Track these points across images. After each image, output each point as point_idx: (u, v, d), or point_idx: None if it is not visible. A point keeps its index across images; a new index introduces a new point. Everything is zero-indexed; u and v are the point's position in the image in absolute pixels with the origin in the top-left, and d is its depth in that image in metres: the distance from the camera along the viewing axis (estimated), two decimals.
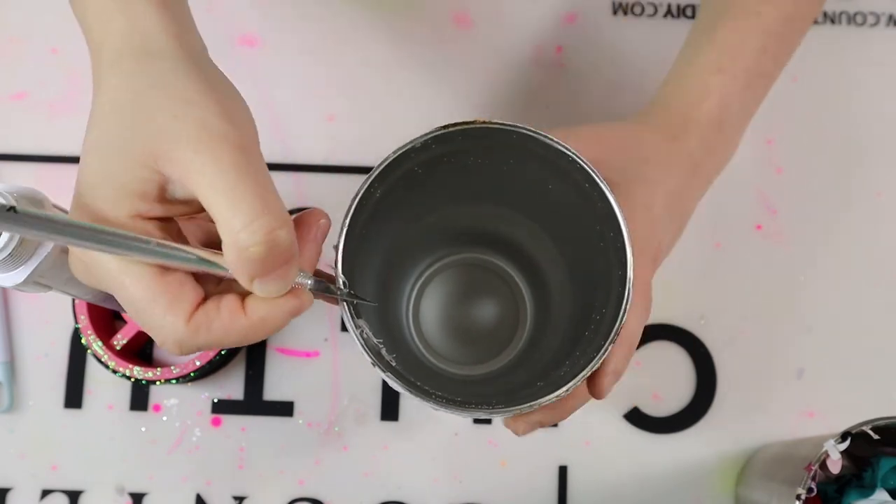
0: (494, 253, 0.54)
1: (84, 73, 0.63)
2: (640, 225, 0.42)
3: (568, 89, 0.64)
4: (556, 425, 0.59)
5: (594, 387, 0.43)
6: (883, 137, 0.63)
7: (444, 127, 0.41)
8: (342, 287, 0.39)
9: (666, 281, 0.60)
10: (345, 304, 0.40)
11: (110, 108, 0.36)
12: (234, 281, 0.36)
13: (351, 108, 0.63)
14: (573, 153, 0.41)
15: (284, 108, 0.63)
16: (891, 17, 0.65)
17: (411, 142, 0.41)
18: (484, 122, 0.41)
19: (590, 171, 0.41)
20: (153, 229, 0.36)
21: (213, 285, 0.37)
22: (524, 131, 0.41)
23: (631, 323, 0.43)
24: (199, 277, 0.37)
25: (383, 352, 0.41)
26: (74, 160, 0.62)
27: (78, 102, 0.63)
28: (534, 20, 0.65)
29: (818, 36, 0.64)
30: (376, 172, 0.41)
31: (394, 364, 0.41)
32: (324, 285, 0.38)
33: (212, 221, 0.35)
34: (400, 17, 0.65)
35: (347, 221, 0.40)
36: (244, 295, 0.36)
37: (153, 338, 0.36)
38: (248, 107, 0.38)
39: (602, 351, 0.40)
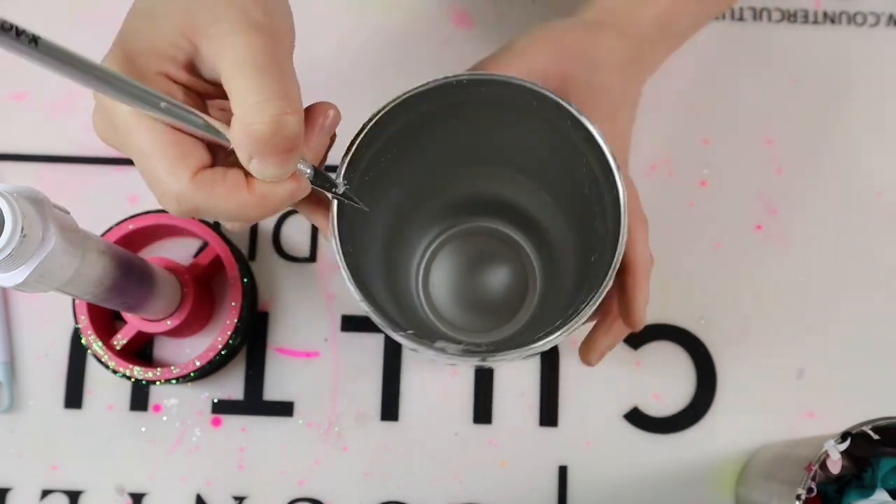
0: (499, 219, 0.55)
1: None
2: (610, 133, 0.43)
3: None
4: (555, 424, 0.59)
5: (636, 292, 0.45)
6: (883, 137, 0.63)
7: (422, 85, 0.42)
8: (340, 184, 0.41)
9: (666, 281, 0.61)
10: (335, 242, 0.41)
11: None
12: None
13: (351, 108, 0.63)
14: (530, 84, 0.42)
15: None
16: (891, 17, 0.65)
17: (388, 104, 0.42)
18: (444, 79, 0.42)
19: (551, 96, 0.42)
20: (177, 92, 0.37)
21: (222, 160, 0.38)
22: (481, 77, 0.42)
23: (636, 237, 0.44)
24: (211, 151, 0.38)
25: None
26: (74, 160, 0.62)
27: (78, 102, 0.63)
28: (534, 20, 0.65)
29: (818, 36, 0.65)
30: (360, 139, 0.42)
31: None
32: (323, 178, 0.39)
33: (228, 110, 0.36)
34: (400, 17, 0.65)
35: (347, 161, 0.41)
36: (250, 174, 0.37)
37: (154, 192, 0.37)
38: (293, 20, 0.39)
39: (621, 234, 0.41)
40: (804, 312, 0.61)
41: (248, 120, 0.35)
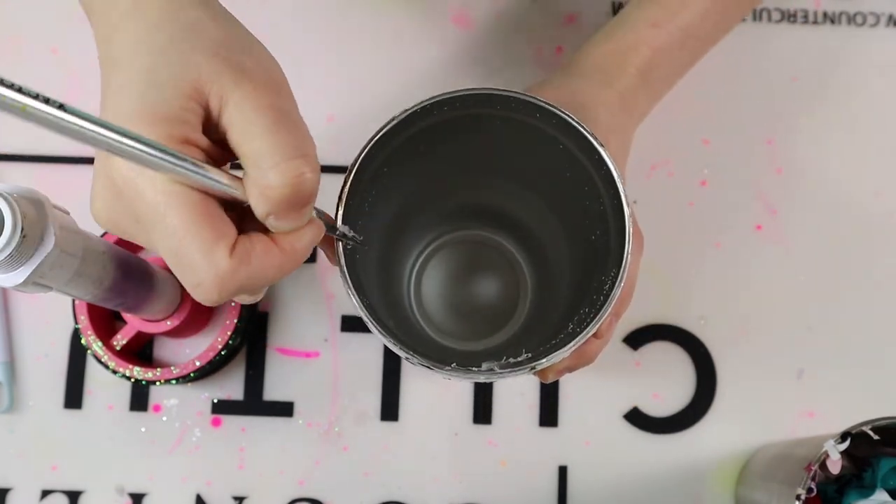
0: (491, 228, 0.55)
1: (84, 73, 0.64)
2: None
3: None
4: (555, 424, 0.59)
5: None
6: (883, 137, 0.63)
7: (430, 99, 0.42)
8: (340, 226, 0.41)
9: (666, 281, 0.61)
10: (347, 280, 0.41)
11: (144, 48, 0.36)
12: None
13: (351, 108, 0.63)
14: (540, 101, 0.42)
15: None
16: (891, 17, 0.65)
17: (394, 118, 0.42)
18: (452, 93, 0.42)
19: (572, 121, 0.42)
20: (199, 155, 0.34)
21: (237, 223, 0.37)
22: (491, 92, 0.42)
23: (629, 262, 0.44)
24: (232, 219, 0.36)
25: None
26: (74, 160, 0.62)
27: (78, 102, 0.63)
28: (534, 20, 0.65)
29: (818, 36, 0.65)
30: (358, 162, 0.42)
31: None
32: (324, 217, 0.39)
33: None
34: (400, 18, 0.65)
35: (344, 198, 0.41)
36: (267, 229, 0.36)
37: (189, 281, 0.34)
38: (275, 58, 0.38)
39: (618, 279, 0.41)
40: (804, 312, 0.61)
41: (265, 183, 0.33)
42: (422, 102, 0.42)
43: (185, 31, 0.36)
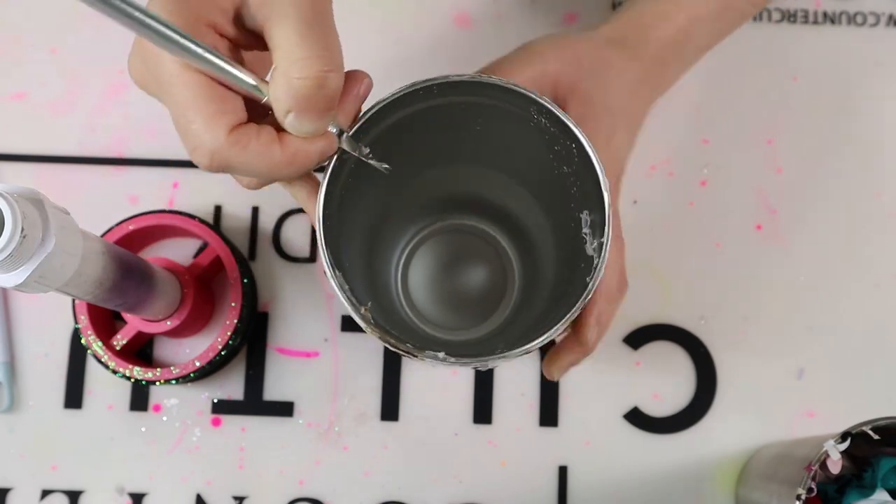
0: (478, 217, 0.55)
1: (84, 72, 0.64)
2: (604, 156, 0.43)
3: None
4: (555, 424, 0.59)
5: (588, 315, 0.45)
6: (883, 137, 0.63)
7: (412, 85, 0.42)
8: (362, 148, 0.41)
9: (666, 281, 0.61)
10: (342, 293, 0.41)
11: None
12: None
13: None
14: (529, 91, 0.42)
15: None
16: (891, 17, 0.65)
17: (374, 106, 0.42)
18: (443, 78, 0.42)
19: (551, 108, 0.42)
20: (221, 46, 0.36)
21: (257, 119, 0.38)
22: (480, 79, 0.42)
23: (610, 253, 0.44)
24: (247, 108, 0.37)
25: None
26: (74, 160, 0.62)
27: (78, 102, 0.63)
28: (534, 20, 0.65)
29: (818, 36, 0.65)
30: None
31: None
32: (348, 139, 0.40)
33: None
34: (400, 17, 0.65)
35: (324, 186, 0.41)
36: (281, 130, 0.37)
37: (187, 146, 0.37)
38: None
39: (595, 272, 0.41)
40: (804, 312, 0.61)
41: (292, 75, 0.35)
42: (397, 91, 0.42)
43: None
